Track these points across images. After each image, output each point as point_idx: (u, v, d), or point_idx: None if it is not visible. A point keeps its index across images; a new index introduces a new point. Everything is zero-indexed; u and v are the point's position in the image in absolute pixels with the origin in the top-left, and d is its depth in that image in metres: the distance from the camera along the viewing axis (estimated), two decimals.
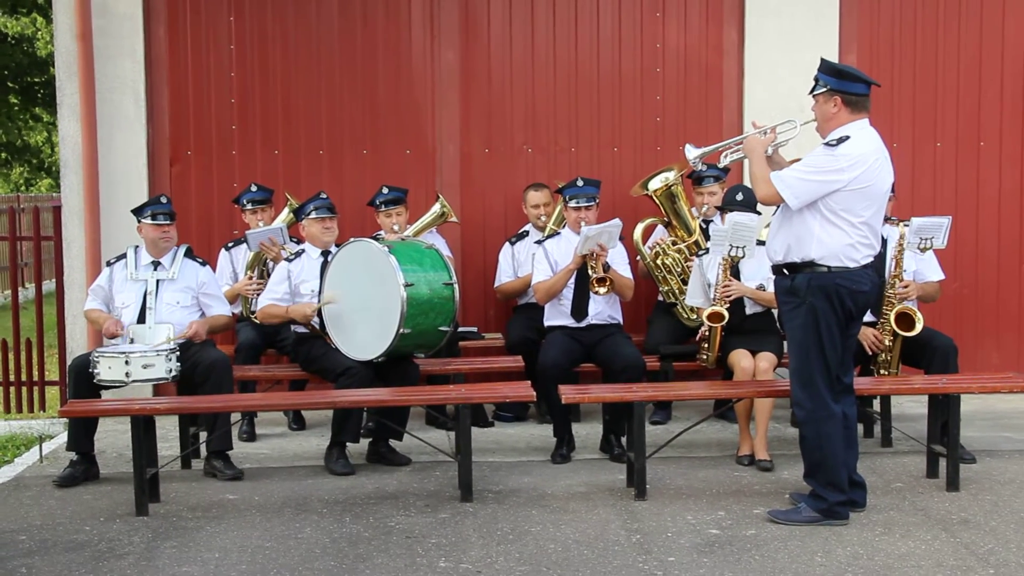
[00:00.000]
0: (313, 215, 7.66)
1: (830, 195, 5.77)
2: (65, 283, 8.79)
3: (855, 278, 5.86)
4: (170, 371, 6.76)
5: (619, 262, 7.58)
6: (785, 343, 6.45)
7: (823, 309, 5.83)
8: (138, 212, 7.37)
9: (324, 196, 7.77)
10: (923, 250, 7.29)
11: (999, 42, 9.12)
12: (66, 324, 8.79)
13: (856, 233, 5.83)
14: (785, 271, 5.95)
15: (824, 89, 5.87)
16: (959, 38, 9.11)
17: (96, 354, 6.75)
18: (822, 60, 6.01)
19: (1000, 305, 9.26)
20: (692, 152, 6.34)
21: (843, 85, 5.85)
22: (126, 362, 6.65)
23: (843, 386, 6.05)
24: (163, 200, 7.36)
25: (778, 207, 6.01)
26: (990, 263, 9.22)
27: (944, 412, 6.58)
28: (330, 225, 7.67)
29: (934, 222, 7.26)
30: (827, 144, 5.84)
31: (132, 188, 8.74)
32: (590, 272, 7.38)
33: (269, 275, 8.00)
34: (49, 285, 13.38)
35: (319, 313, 7.32)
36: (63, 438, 7.68)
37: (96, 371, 6.70)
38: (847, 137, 5.79)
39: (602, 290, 7.37)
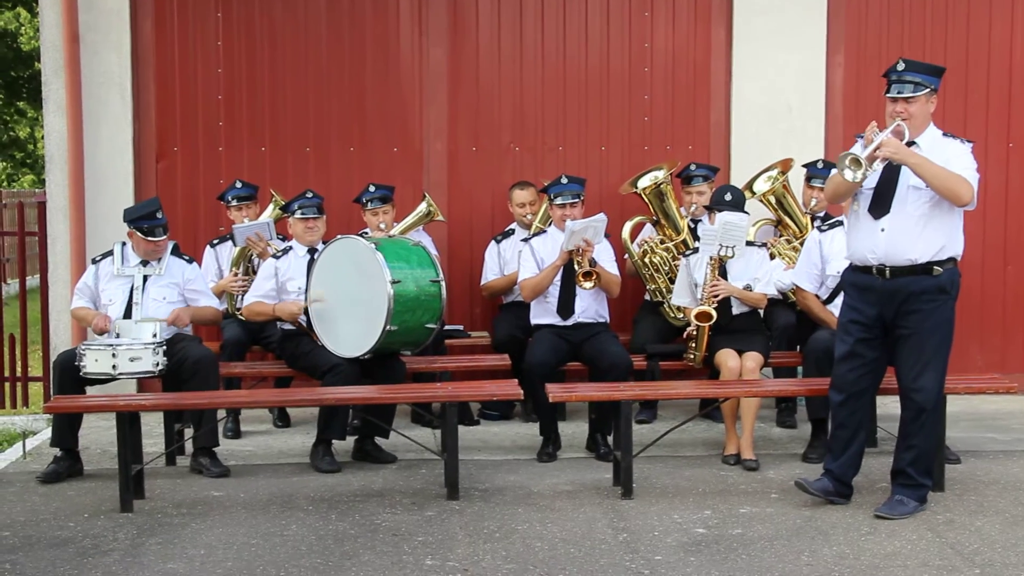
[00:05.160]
0: (298, 214, 7.64)
1: None
2: (49, 279, 8.74)
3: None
4: (157, 364, 6.74)
5: (605, 258, 7.56)
6: (926, 343, 6.06)
7: (954, 303, 6.08)
8: (131, 222, 7.21)
9: (310, 195, 7.73)
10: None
11: (985, 43, 9.13)
12: (50, 320, 8.74)
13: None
14: (937, 268, 5.99)
15: (927, 90, 5.96)
16: (946, 39, 9.11)
17: (83, 347, 6.73)
18: (909, 61, 6.04)
19: (984, 307, 9.26)
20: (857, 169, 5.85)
21: (938, 85, 6.05)
22: (113, 355, 6.64)
23: None
24: (159, 216, 7.18)
25: (867, 205, 6.00)
26: (974, 265, 9.19)
27: None
28: (313, 225, 7.63)
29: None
30: (964, 141, 6.03)
31: (118, 184, 8.73)
32: (576, 267, 7.38)
33: (254, 272, 7.98)
34: (33, 281, 13.30)
35: (305, 311, 7.31)
36: (47, 434, 7.64)
37: (83, 364, 6.68)
38: None
39: (588, 284, 7.35)
